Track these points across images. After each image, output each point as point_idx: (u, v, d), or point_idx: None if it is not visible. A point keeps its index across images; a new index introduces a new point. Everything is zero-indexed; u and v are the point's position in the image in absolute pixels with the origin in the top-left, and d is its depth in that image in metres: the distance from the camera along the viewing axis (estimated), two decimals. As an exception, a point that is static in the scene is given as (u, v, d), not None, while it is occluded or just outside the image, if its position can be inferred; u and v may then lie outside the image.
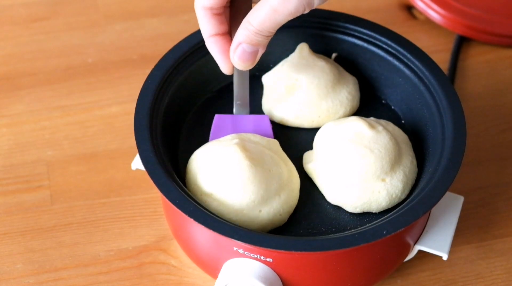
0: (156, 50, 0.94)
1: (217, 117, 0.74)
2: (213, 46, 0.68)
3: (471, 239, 0.79)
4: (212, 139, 0.73)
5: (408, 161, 0.71)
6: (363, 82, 0.79)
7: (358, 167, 0.69)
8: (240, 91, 0.72)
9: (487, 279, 0.77)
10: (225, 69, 0.69)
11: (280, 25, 0.63)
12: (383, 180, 0.70)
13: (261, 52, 0.66)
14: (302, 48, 0.76)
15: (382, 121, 0.73)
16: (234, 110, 0.74)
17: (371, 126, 0.70)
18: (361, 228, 0.66)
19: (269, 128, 0.74)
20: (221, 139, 0.71)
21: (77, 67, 0.94)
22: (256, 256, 0.67)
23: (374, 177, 0.69)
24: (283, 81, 0.76)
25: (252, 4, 0.68)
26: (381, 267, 0.71)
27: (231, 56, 0.67)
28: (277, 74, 0.77)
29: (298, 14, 0.62)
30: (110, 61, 0.95)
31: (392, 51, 0.77)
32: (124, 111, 0.89)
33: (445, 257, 0.72)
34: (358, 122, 0.70)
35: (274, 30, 0.63)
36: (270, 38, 0.65)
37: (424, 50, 0.76)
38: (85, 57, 0.95)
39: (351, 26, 0.78)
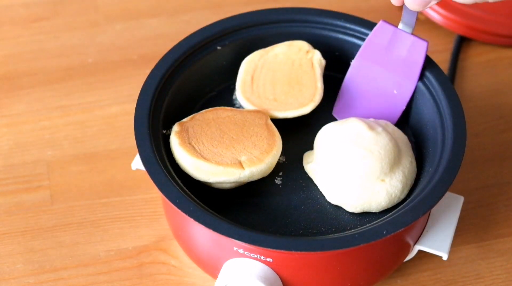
0: (156, 50, 0.94)
1: (381, 23, 0.75)
2: None
3: (471, 239, 0.79)
4: (368, 42, 0.75)
5: (408, 162, 0.71)
6: (363, 82, 0.79)
7: (358, 168, 0.69)
8: (407, 15, 0.73)
9: (487, 279, 0.77)
10: (395, 0, 0.70)
11: None
12: (382, 180, 0.70)
13: (433, 2, 0.67)
14: None
15: (382, 122, 0.73)
16: (399, 25, 0.74)
17: (371, 128, 0.70)
18: (361, 228, 0.66)
19: (422, 54, 0.74)
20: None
21: (77, 67, 0.94)
22: (256, 256, 0.67)
23: (374, 177, 0.69)
24: None
25: None
26: (381, 267, 0.71)
27: None
28: None
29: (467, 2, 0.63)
30: (110, 61, 0.94)
31: (392, 51, 0.77)
32: (124, 111, 0.89)
33: (445, 257, 0.72)
34: (358, 124, 0.70)
35: None
36: None
37: (424, 50, 0.76)
38: (85, 57, 0.95)
39: (351, 26, 0.78)
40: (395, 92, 0.75)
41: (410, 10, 0.72)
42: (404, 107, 0.75)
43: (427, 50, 0.74)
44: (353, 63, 0.76)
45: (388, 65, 0.75)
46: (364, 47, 0.76)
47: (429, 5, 0.68)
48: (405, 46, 0.74)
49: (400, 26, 0.74)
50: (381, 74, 0.75)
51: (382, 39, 0.75)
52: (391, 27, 0.74)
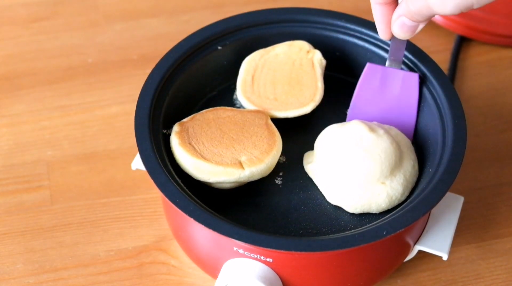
0: (156, 50, 0.94)
1: (368, 66, 0.75)
2: (378, 12, 0.70)
3: (471, 239, 0.79)
4: (360, 86, 0.75)
5: (409, 165, 0.71)
6: (363, 82, 0.79)
7: (358, 171, 0.69)
8: (395, 51, 0.73)
9: (487, 279, 0.77)
10: (383, 35, 0.70)
11: (436, 14, 0.64)
12: (382, 183, 0.69)
13: (421, 26, 0.67)
14: None
15: (385, 125, 0.73)
16: (387, 63, 0.74)
17: (372, 130, 0.70)
18: (361, 228, 0.66)
19: (416, 86, 0.74)
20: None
21: (77, 67, 0.94)
22: (256, 256, 0.67)
23: (374, 180, 0.69)
24: None
25: None
26: (381, 267, 0.71)
27: (392, 25, 0.68)
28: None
29: (453, 14, 0.63)
30: (110, 61, 0.95)
31: (392, 51, 0.77)
32: (124, 111, 0.89)
33: (445, 257, 0.72)
34: (359, 126, 0.70)
35: (430, 17, 0.65)
36: (428, 20, 0.66)
37: (424, 50, 0.76)
38: (85, 57, 0.95)
39: (351, 26, 0.78)
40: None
41: (399, 44, 0.72)
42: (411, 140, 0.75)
43: (419, 82, 0.74)
44: (349, 111, 0.76)
45: (384, 105, 0.75)
46: (357, 93, 0.75)
47: (417, 31, 0.68)
48: (397, 83, 0.74)
49: (388, 63, 0.74)
50: (379, 116, 0.75)
51: (373, 81, 0.75)
52: (379, 67, 0.74)
